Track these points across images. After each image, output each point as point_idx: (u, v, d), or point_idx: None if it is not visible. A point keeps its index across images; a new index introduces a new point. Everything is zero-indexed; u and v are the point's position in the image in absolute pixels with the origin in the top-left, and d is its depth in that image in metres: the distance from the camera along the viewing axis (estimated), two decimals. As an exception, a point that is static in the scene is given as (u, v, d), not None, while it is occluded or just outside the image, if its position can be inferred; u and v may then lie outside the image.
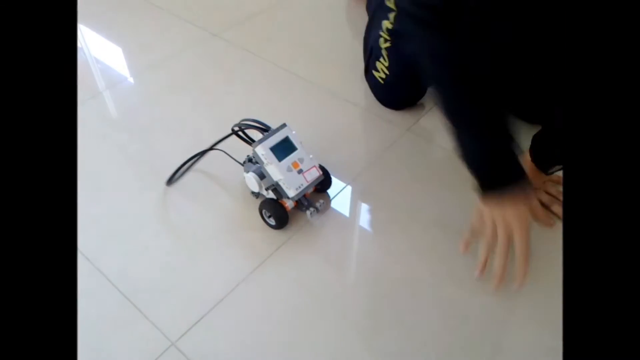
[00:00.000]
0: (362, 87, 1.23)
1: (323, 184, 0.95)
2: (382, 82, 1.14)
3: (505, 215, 0.74)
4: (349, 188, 1.00)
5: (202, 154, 0.99)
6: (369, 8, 1.32)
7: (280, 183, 0.88)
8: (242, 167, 0.97)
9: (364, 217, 0.95)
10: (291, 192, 0.88)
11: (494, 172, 0.75)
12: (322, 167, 0.94)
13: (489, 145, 0.74)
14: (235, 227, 0.93)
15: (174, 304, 0.83)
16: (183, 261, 0.89)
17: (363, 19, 1.39)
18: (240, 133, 0.94)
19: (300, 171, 0.89)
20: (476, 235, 0.80)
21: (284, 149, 0.89)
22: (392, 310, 0.81)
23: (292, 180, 0.88)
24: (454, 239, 0.86)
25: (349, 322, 0.80)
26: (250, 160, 0.96)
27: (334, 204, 0.97)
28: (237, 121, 0.93)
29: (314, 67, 1.31)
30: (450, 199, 0.98)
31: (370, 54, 1.16)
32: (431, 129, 1.13)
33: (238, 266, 0.87)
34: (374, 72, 1.15)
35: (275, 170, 0.87)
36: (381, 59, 1.12)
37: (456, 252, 0.83)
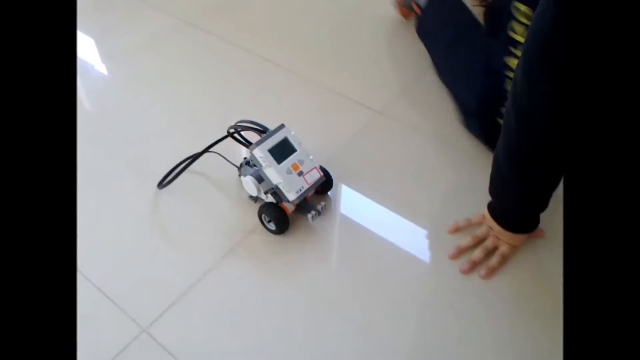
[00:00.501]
0: (332, 69, 1.22)
1: (324, 185, 0.91)
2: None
3: (502, 235, 0.84)
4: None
5: (196, 157, 0.94)
6: (425, 32, 1.21)
7: (280, 186, 0.84)
8: (239, 170, 0.93)
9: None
10: (291, 196, 0.84)
11: (512, 224, 0.83)
12: (322, 168, 0.90)
13: (521, 210, 0.82)
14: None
15: (145, 291, 0.82)
16: (156, 249, 0.88)
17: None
18: (236, 135, 0.90)
19: (300, 173, 0.85)
20: (470, 227, 0.88)
21: (283, 150, 0.85)
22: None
23: (292, 183, 0.84)
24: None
25: (324, 311, 0.78)
26: (247, 163, 0.92)
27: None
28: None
29: (289, 52, 1.28)
30: (425, 183, 0.97)
31: (485, 98, 1.00)
32: (402, 111, 1.11)
33: (211, 254, 0.86)
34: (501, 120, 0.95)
35: (274, 173, 0.83)
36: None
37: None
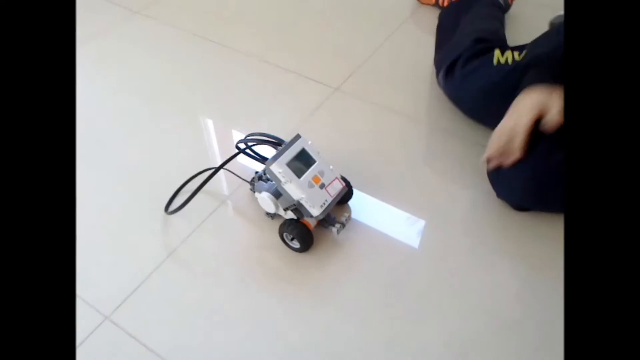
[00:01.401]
0: (287, 49, 1.21)
1: (345, 195, 0.86)
2: (509, 65, 0.93)
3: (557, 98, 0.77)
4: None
5: (207, 177, 0.86)
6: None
7: (303, 202, 0.78)
8: (252, 186, 0.87)
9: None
10: (315, 211, 0.78)
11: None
12: (342, 178, 0.84)
13: None
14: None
15: (104, 279, 0.80)
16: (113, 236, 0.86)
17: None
18: (247, 150, 0.83)
19: (322, 186, 0.80)
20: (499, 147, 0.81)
21: (301, 163, 0.79)
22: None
23: (315, 198, 0.78)
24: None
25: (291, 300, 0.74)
26: (260, 177, 0.85)
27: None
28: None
29: (241, 34, 1.27)
30: (390, 156, 0.97)
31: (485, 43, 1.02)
32: (360, 86, 1.11)
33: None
34: (497, 58, 0.96)
35: (295, 188, 0.77)
36: (508, 50, 0.95)
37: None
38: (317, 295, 0.78)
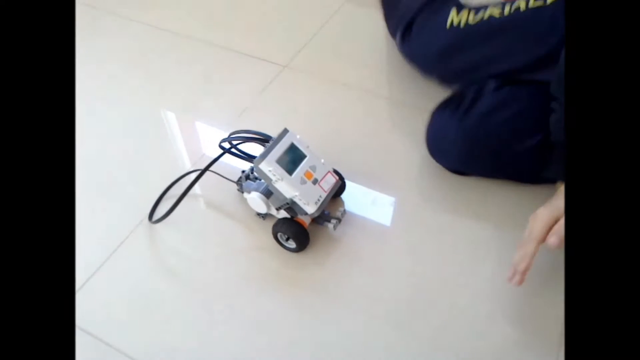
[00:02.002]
0: (228, 28, 1.18)
1: (338, 188, 0.82)
2: (461, 29, 0.89)
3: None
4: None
5: (193, 181, 0.81)
6: None
7: (296, 200, 0.74)
8: (239, 186, 0.82)
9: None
10: (311, 208, 0.75)
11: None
12: (335, 171, 0.81)
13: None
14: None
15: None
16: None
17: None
18: (233, 149, 0.79)
19: (315, 181, 0.76)
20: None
21: (291, 159, 0.75)
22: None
23: (309, 194, 0.74)
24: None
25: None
26: (247, 176, 0.81)
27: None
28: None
29: (177, 15, 1.22)
30: (352, 135, 0.96)
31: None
32: (311, 63, 1.09)
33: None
34: (451, 19, 0.91)
35: (288, 186, 0.73)
36: (464, 10, 0.91)
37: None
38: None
